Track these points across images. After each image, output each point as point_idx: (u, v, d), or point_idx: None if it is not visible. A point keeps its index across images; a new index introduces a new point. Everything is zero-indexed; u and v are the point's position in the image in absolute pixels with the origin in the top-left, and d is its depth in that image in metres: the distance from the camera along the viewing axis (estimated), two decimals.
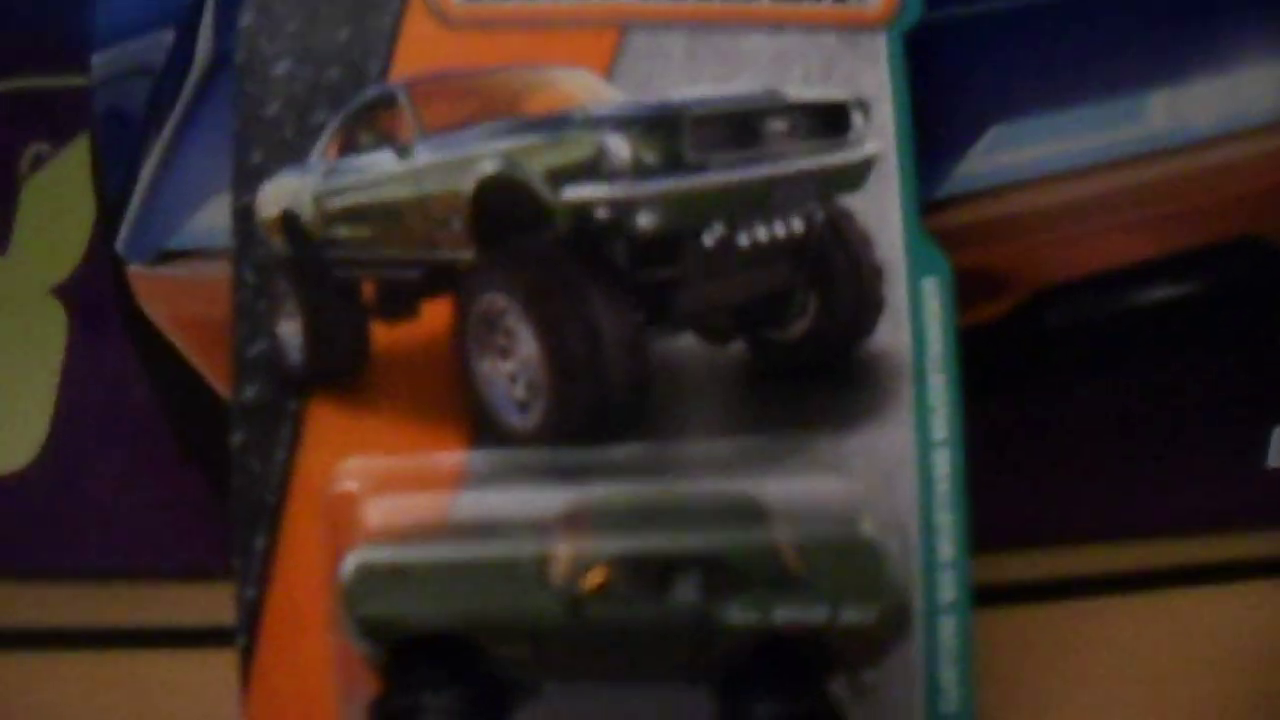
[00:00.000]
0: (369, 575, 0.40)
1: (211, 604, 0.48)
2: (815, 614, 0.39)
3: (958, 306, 0.47)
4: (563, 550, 0.39)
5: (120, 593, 0.54)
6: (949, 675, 0.47)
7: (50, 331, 0.53)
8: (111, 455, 0.54)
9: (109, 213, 0.51)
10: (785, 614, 0.39)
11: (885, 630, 0.40)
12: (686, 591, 0.39)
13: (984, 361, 0.48)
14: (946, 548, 0.47)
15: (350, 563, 0.40)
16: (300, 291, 0.46)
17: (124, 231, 0.51)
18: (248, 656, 0.45)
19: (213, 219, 0.50)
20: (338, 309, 0.46)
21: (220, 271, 0.47)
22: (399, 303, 0.46)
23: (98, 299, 0.52)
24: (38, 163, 0.52)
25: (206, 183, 0.50)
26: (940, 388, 0.48)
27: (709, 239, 0.46)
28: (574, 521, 0.40)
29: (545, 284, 0.45)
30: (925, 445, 0.46)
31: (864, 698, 0.40)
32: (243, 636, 0.45)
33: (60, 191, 0.52)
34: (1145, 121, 0.53)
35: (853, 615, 0.39)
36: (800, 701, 0.39)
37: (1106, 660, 0.53)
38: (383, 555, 0.40)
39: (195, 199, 0.51)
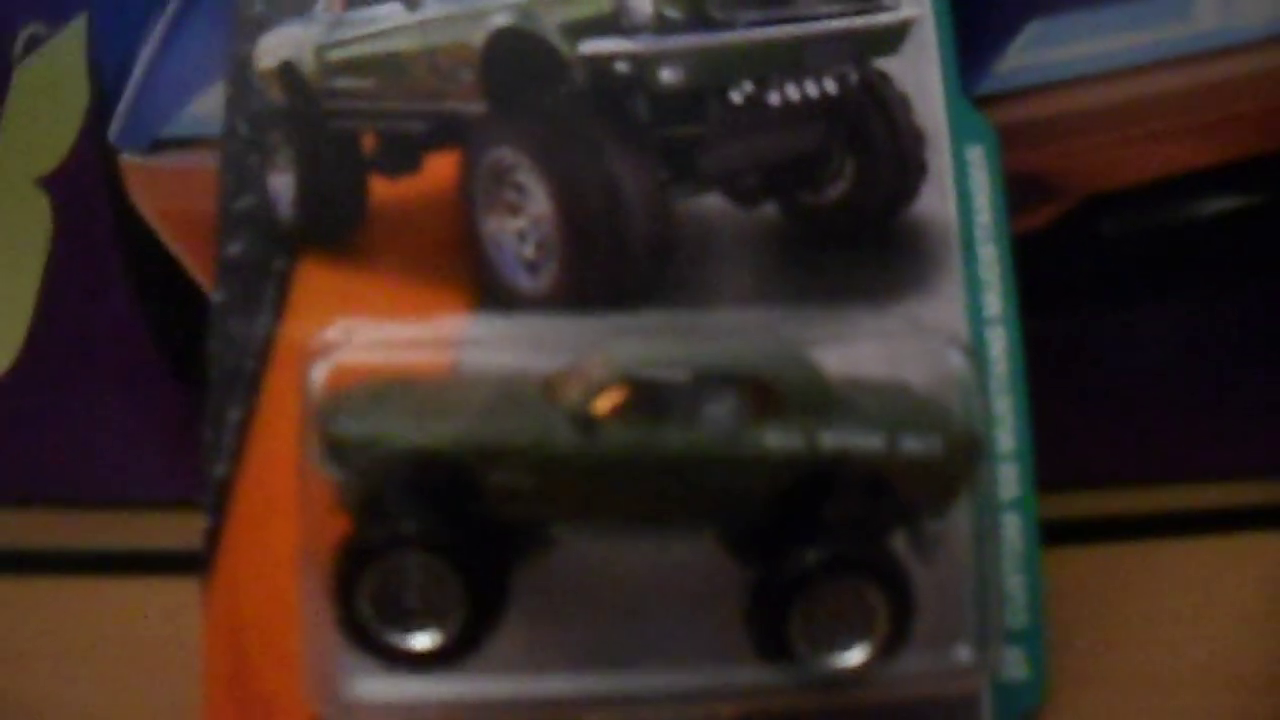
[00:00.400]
0: (346, 394, 0.34)
1: (184, 531, 0.44)
2: (870, 442, 0.33)
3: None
4: (575, 371, 0.34)
5: (87, 518, 0.49)
6: (1015, 583, 0.41)
7: (35, 225, 0.49)
8: (89, 372, 0.49)
9: (103, 99, 0.48)
10: (834, 439, 0.32)
11: (953, 465, 0.33)
12: (717, 413, 0.33)
13: (1033, 273, 0.44)
14: (1007, 438, 0.42)
15: (321, 371, 0.34)
16: (296, 143, 0.42)
17: (118, 119, 0.48)
18: (213, 539, 0.39)
19: (211, 106, 0.47)
20: (335, 161, 0.42)
21: (215, 162, 0.44)
22: (401, 156, 0.42)
23: (86, 191, 0.48)
24: (32, 44, 0.50)
25: (206, 68, 0.47)
26: (992, 260, 0.43)
27: (737, 96, 0.42)
28: (590, 350, 0.34)
29: (560, 137, 0.41)
30: (978, 322, 0.42)
31: (927, 556, 0.34)
32: (210, 517, 0.39)
33: (53, 76, 0.48)
34: (1191, 20, 0.50)
35: (914, 445, 0.33)
36: (851, 549, 0.32)
37: (1175, 601, 0.46)
38: (363, 383, 0.35)
39: (194, 85, 0.48)
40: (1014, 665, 0.41)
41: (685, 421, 0.33)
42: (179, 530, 0.44)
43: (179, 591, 0.44)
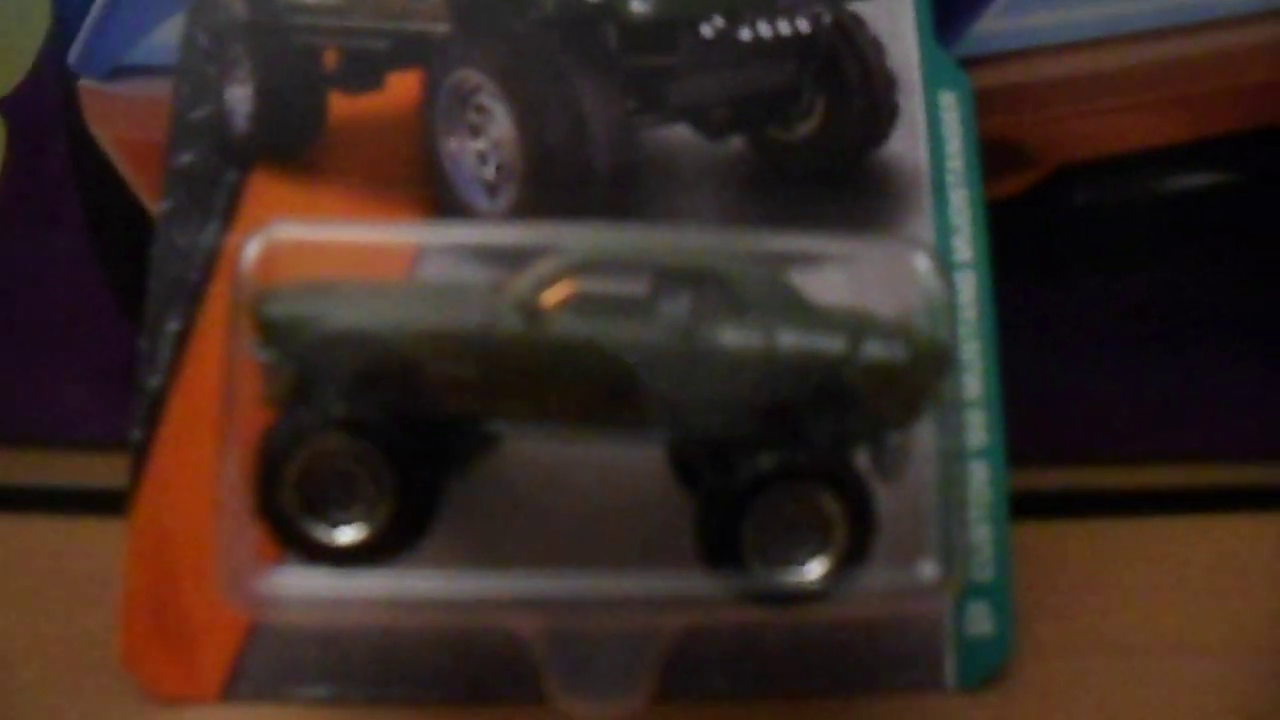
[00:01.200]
0: (284, 280, 0.31)
1: (118, 471, 0.41)
2: (832, 344, 0.30)
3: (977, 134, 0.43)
4: (524, 269, 0.31)
5: (18, 455, 0.46)
6: (981, 534, 0.39)
7: None
8: (36, 303, 0.47)
9: (64, 22, 0.46)
10: (794, 340, 0.30)
11: (918, 373, 0.31)
12: (672, 307, 0.30)
13: (1004, 240, 0.43)
14: (975, 384, 0.40)
15: (255, 246, 0.32)
16: (256, 56, 0.40)
17: (79, 43, 0.46)
18: (141, 455, 0.37)
19: (174, 35, 0.45)
20: (295, 75, 0.41)
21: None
22: (363, 73, 0.41)
23: (42, 116, 0.46)
24: None
25: None
26: (962, 205, 0.41)
27: (708, 29, 0.41)
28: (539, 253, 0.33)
29: (526, 62, 0.39)
30: (947, 267, 0.40)
31: (890, 471, 0.31)
32: (138, 430, 0.37)
33: None
34: None
35: (878, 351, 0.30)
36: (809, 454, 0.30)
37: (1144, 578, 0.44)
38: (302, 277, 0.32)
39: (157, 13, 0.45)
40: (979, 620, 0.39)
41: (638, 316, 0.31)
42: (109, 469, 0.42)
43: (103, 529, 0.42)
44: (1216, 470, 0.49)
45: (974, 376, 0.39)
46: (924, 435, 0.33)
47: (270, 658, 0.36)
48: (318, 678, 0.36)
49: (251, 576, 0.31)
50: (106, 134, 0.47)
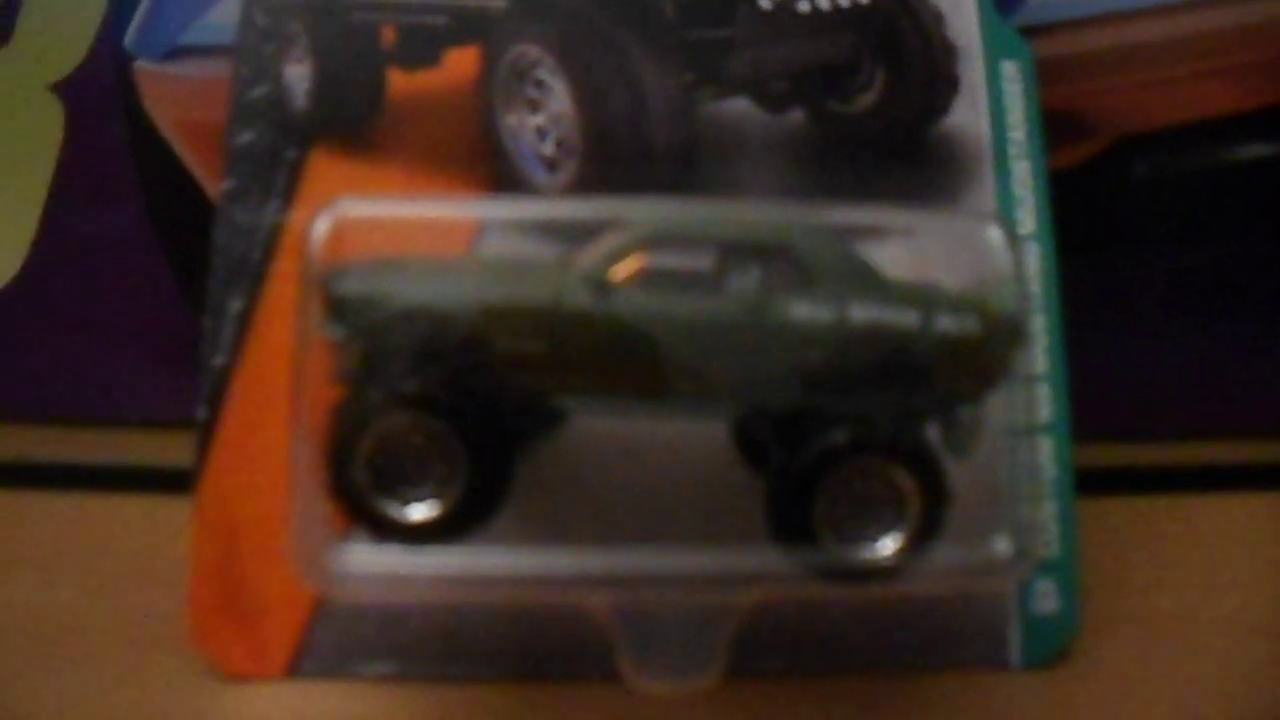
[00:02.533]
0: (353, 258, 0.31)
1: (179, 450, 0.41)
2: (903, 316, 0.30)
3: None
4: (594, 242, 0.31)
5: (82, 434, 0.46)
6: (1047, 510, 0.38)
7: (46, 131, 0.46)
8: (95, 284, 0.47)
9: (120, 3, 0.46)
10: (866, 313, 0.30)
11: (991, 347, 0.30)
12: (742, 281, 0.30)
13: (1064, 213, 0.42)
14: (1041, 358, 0.40)
15: (324, 224, 0.31)
16: (314, 33, 0.40)
17: (134, 25, 0.46)
18: (207, 434, 0.37)
19: (229, 15, 0.44)
20: (353, 53, 0.40)
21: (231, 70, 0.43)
22: (420, 49, 0.40)
23: (99, 98, 0.46)
24: None
25: None
26: (1025, 176, 0.40)
27: (766, 1, 0.40)
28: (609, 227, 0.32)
29: (584, 36, 0.39)
30: (1010, 231, 0.40)
31: (963, 446, 0.31)
32: (204, 409, 0.37)
33: None
34: None
35: (950, 324, 0.30)
36: (881, 429, 0.29)
37: (1209, 554, 0.42)
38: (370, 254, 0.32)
39: None
40: (1045, 597, 0.38)
41: (708, 291, 0.31)
42: (173, 448, 0.42)
43: (169, 507, 0.42)
44: (1271, 445, 0.49)
45: (1039, 350, 0.39)
46: (994, 410, 0.32)
47: (335, 635, 0.36)
48: (382, 655, 0.36)
49: (325, 554, 0.30)
50: (163, 115, 0.47)
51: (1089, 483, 0.40)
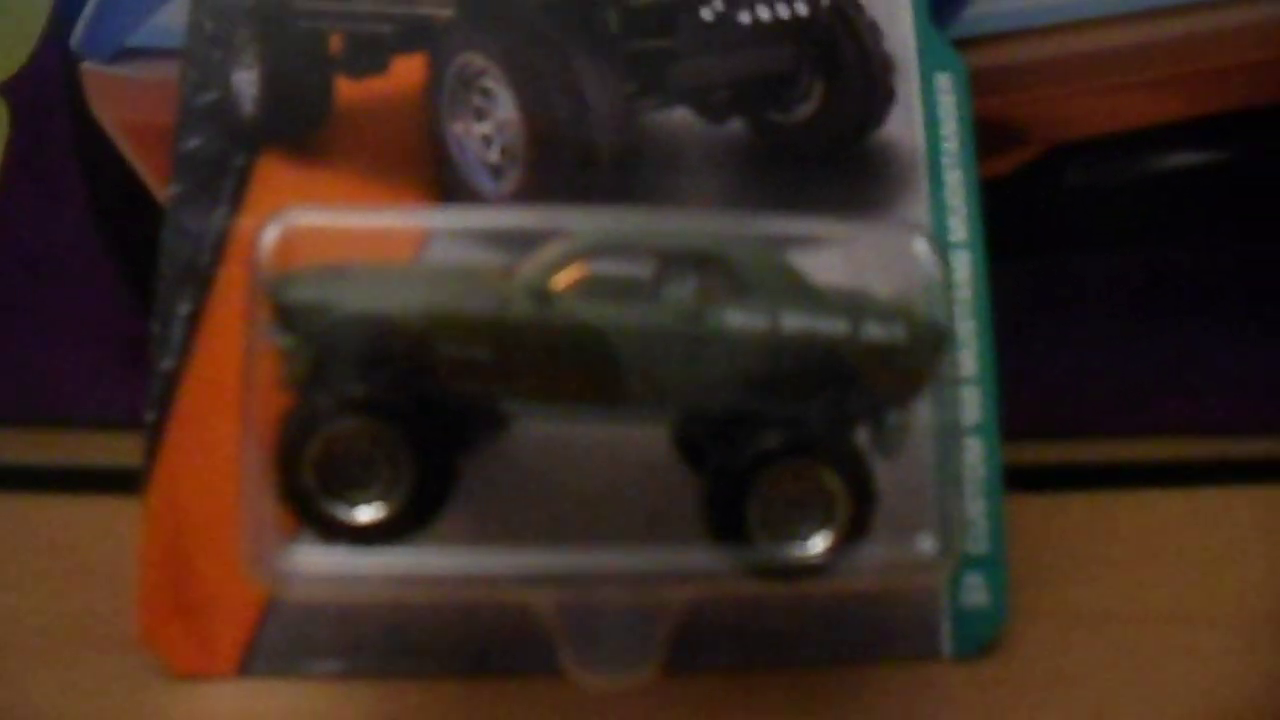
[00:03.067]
0: (300, 266, 0.32)
1: (127, 451, 0.42)
2: (833, 325, 0.31)
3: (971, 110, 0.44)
4: (535, 252, 0.32)
5: (30, 435, 0.46)
6: (976, 508, 0.40)
7: None
8: (41, 285, 0.47)
9: (67, 4, 0.46)
10: (797, 321, 0.31)
11: (917, 353, 0.32)
12: (678, 290, 0.31)
13: (996, 220, 0.44)
14: (970, 362, 0.41)
15: (272, 234, 0.32)
16: (262, 40, 0.41)
17: (81, 26, 0.46)
18: (155, 435, 0.37)
19: (177, 17, 0.45)
20: (301, 60, 0.41)
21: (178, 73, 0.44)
22: (368, 57, 0.41)
23: (45, 99, 0.46)
24: None
25: None
26: (958, 186, 0.42)
27: (707, 13, 0.41)
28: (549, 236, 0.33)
29: (529, 44, 0.40)
30: (943, 246, 0.40)
31: (890, 448, 0.32)
32: (152, 411, 0.38)
33: None
34: None
35: (878, 332, 0.32)
36: (812, 433, 0.31)
37: (1135, 549, 0.44)
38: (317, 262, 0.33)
39: None
40: (975, 591, 0.40)
41: (645, 299, 0.32)
42: (119, 448, 0.43)
43: (116, 508, 0.42)
44: (1206, 444, 0.50)
45: (969, 354, 0.40)
46: (922, 412, 0.34)
47: (285, 634, 0.37)
48: (331, 653, 0.37)
49: (273, 554, 0.31)
50: (109, 116, 0.47)
51: (1018, 480, 0.42)
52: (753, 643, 0.37)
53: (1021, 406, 0.42)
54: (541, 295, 0.32)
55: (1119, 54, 0.49)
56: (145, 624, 0.37)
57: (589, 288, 0.32)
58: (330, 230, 0.33)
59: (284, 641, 0.37)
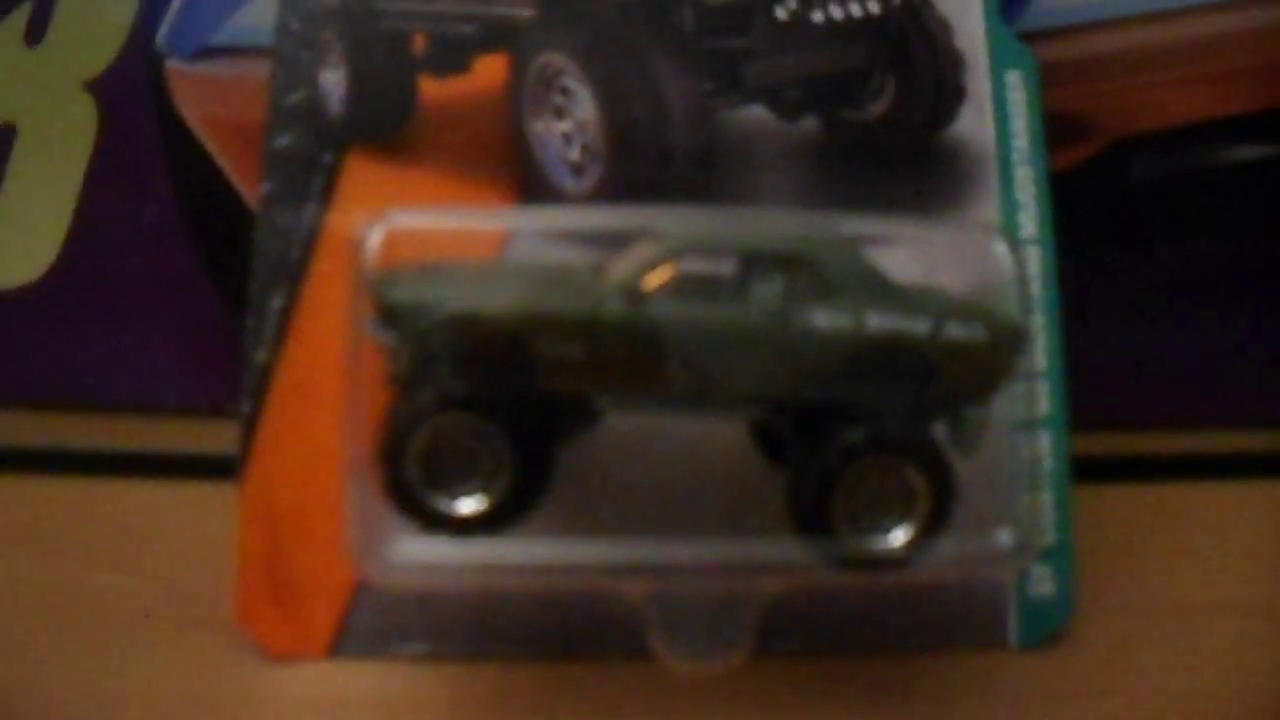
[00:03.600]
0: (402, 264, 0.34)
1: (213, 438, 0.43)
2: (916, 325, 0.32)
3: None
4: (626, 251, 0.33)
5: (121, 422, 0.48)
6: (1045, 501, 0.41)
7: (79, 129, 0.48)
8: (126, 276, 0.49)
9: (152, 4, 0.48)
10: (881, 322, 0.32)
11: (996, 352, 0.33)
12: (766, 290, 0.32)
13: (1061, 212, 0.44)
14: (1040, 356, 0.42)
15: (376, 236, 0.34)
16: (348, 40, 0.42)
17: (166, 25, 0.48)
18: (250, 425, 0.39)
19: (259, 15, 0.47)
20: (385, 60, 0.42)
21: (262, 71, 0.44)
22: (450, 57, 0.42)
23: (132, 96, 0.48)
24: None
25: None
26: (1028, 182, 0.43)
27: (781, 12, 0.42)
28: (638, 236, 0.34)
29: (607, 44, 0.41)
30: (1013, 242, 0.42)
31: (969, 444, 0.33)
32: (248, 402, 0.39)
33: None
34: None
35: (959, 331, 0.33)
36: (894, 430, 0.32)
37: (1201, 540, 0.45)
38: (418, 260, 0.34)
39: None
40: (1041, 582, 0.41)
41: (733, 299, 0.33)
42: (209, 436, 0.45)
43: (207, 493, 0.45)
44: (1274, 436, 0.51)
45: (1039, 348, 0.42)
46: (999, 408, 0.35)
47: (375, 617, 0.38)
48: (419, 635, 0.39)
49: (379, 545, 0.33)
50: (193, 113, 0.49)
51: (1086, 471, 0.43)
52: (831, 631, 0.38)
53: (1090, 398, 0.43)
54: (634, 295, 0.33)
55: (1184, 47, 0.49)
56: (242, 606, 0.38)
57: (679, 287, 0.33)
58: (429, 231, 0.35)
59: (374, 624, 0.38)
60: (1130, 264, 0.51)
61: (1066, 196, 0.45)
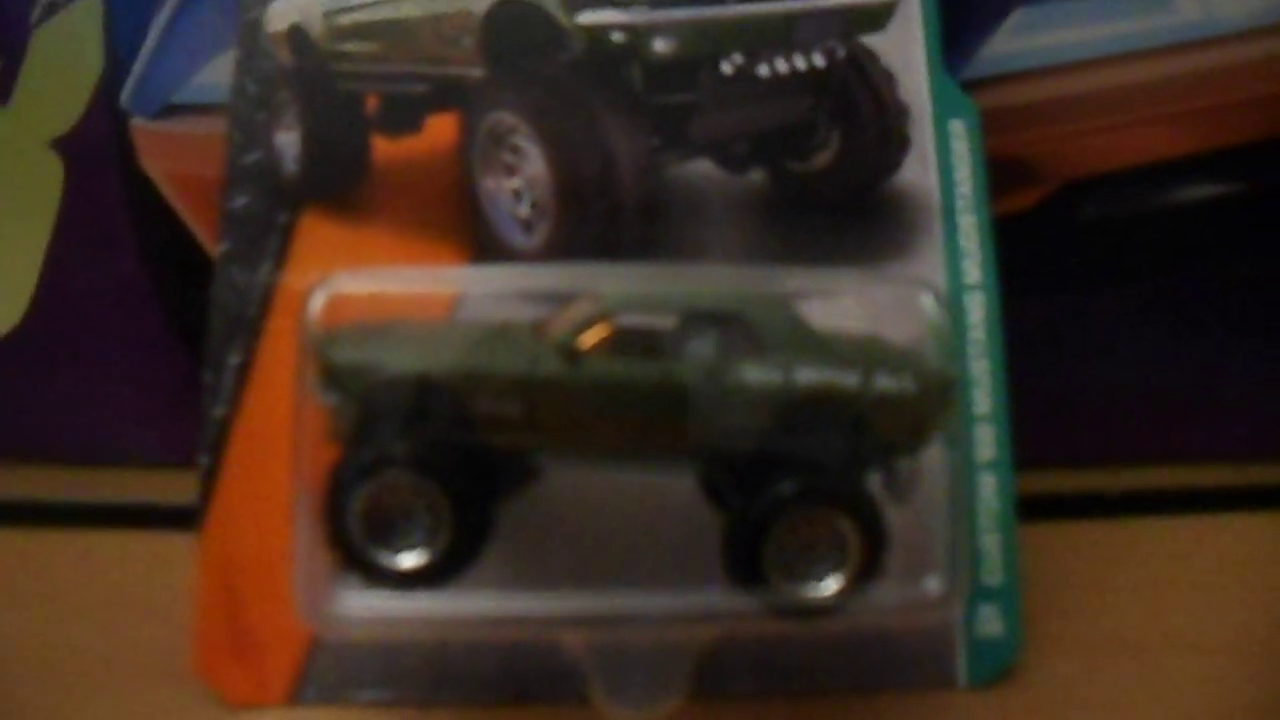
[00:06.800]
0: (344, 325, 0.36)
1: (176, 489, 0.45)
2: (846, 378, 0.35)
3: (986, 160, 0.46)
4: (563, 310, 0.36)
5: (85, 474, 0.50)
6: (991, 541, 0.43)
7: (46, 186, 0.50)
8: (94, 332, 0.51)
9: (116, 65, 0.50)
10: (810, 376, 0.34)
11: (926, 404, 0.35)
12: (699, 349, 0.35)
13: (1012, 256, 0.46)
14: (984, 400, 0.44)
15: (319, 299, 0.36)
16: (302, 102, 0.45)
17: (130, 85, 0.50)
18: (210, 478, 0.41)
19: (219, 74, 0.49)
20: (340, 120, 0.45)
21: (223, 128, 0.47)
22: (403, 116, 0.44)
23: (97, 154, 0.50)
24: (49, 11, 0.52)
25: (217, 37, 0.49)
26: (971, 229, 0.45)
27: (727, 67, 0.44)
28: (577, 295, 0.36)
29: (556, 102, 0.43)
30: (957, 288, 0.44)
31: (900, 493, 0.35)
32: (206, 457, 0.41)
33: (69, 43, 0.50)
34: (1172, 11, 0.52)
35: (888, 384, 0.35)
36: (826, 481, 0.34)
37: (1150, 577, 0.47)
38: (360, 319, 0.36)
39: (203, 54, 0.50)
40: (990, 621, 0.43)
41: (668, 357, 0.35)
42: (171, 487, 0.46)
43: (169, 545, 0.46)
44: (1220, 471, 0.53)
45: (983, 393, 0.43)
46: (935, 452, 0.37)
47: (332, 665, 0.40)
48: (375, 683, 0.41)
49: (324, 598, 0.35)
50: (157, 169, 0.51)
51: (1036, 509, 0.44)
52: (771, 671, 0.40)
53: (1041, 436, 0.45)
54: (570, 353, 0.35)
55: (1131, 90, 0.51)
56: (201, 656, 0.40)
57: (614, 344, 0.35)
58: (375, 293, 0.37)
59: (332, 672, 0.40)
60: (1081, 303, 0.53)
61: (1018, 238, 0.47)
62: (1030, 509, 0.43)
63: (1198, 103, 0.52)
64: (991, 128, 0.48)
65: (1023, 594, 0.42)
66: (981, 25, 0.51)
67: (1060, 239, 0.52)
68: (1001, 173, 0.48)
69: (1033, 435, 0.44)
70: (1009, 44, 0.51)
